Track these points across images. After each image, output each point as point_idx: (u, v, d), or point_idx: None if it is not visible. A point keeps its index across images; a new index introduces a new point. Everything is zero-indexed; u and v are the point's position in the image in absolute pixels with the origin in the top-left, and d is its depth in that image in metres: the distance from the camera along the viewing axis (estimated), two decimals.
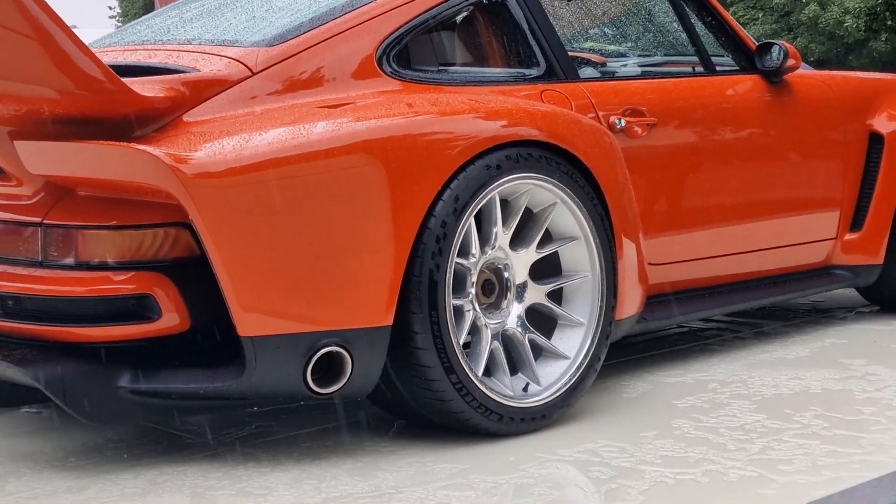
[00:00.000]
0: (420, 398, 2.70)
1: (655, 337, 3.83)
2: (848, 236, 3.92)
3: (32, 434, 2.91)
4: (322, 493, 2.41)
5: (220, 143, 2.51)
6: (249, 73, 2.76)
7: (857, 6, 22.59)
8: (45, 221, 2.57)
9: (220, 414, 3.01)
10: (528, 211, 2.90)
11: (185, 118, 2.63)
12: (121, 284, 2.49)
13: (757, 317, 4.14)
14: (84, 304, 2.51)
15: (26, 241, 2.61)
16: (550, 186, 2.87)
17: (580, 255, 2.96)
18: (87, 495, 2.43)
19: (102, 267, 2.51)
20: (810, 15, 29.79)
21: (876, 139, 3.95)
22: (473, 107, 2.88)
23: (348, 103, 2.78)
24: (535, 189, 2.86)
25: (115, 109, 2.53)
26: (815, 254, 3.86)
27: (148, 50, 3.06)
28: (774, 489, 2.36)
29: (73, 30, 2.40)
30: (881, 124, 3.97)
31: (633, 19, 4.04)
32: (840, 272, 3.92)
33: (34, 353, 2.55)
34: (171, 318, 2.50)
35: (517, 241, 2.90)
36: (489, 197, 2.76)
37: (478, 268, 2.80)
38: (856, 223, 3.93)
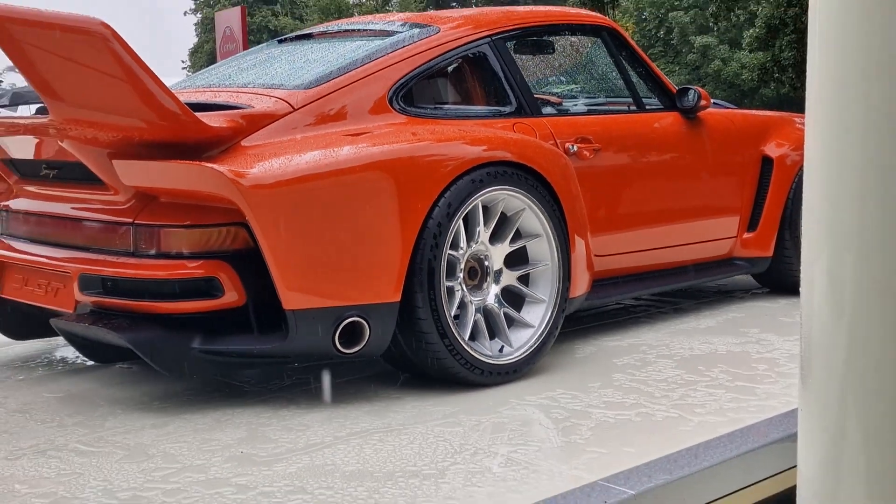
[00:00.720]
0: (421, 357, 2.69)
1: (599, 311, 3.82)
2: (746, 235, 3.91)
3: (125, 384, 2.90)
4: (347, 428, 2.42)
5: (269, 162, 2.51)
6: (291, 109, 2.76)
7: (751, 62, 22.68)
8: (135, 222, 2.58)
9: (268, 369, 3.01)
10: (503, 214, 2.89)
11: (243, 143, 2.62)
12: (193, 270, 2.49)
13: (676, 296, 4.15)
14: (165, 284, 2.51)
15: (121, 236, 2.61)
16: (520, 196, 2.86)
17: (542, 249, 2.96)
18: (168, 430, 2.43)
19: (179, 256, 2.52)
20: (715, 69, 29.90)
21: (767, 161, 3.96)
22: (462, 135, 2.87)
23: (366, 132, 2.77)
24: (508, 198, 2.85)
25: (189, 136, 2.53)
26: (721, 248, 3.86)
27: (214, 91, 3.05)
28: (691, 427, 2.37)
29: None
30: (771, 150, 3.97)
31: (583, 69, 4.02)
32: (740, 262, 3.92)
33: (127, 322, 2.55)
34: (231, 295, 2.50)
35: (495, 237, 2.89)
36: (474, 203, 2.76)
37: (465, 258, 2.80)
38: (752, 225, 3.93)
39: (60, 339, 3.23)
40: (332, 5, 34.05)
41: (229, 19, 11.59)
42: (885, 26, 1.24)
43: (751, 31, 22.51)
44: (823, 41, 1.29)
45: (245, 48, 11.02)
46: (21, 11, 2.22)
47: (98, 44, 2.27)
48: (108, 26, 2.27)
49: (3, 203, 3.10)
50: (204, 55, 40.47)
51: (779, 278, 4.03)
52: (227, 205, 2.46)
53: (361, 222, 2.55)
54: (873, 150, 1.26)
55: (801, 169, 3.97)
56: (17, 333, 3.15)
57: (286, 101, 2.77)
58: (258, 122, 2.68)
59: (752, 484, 2.10)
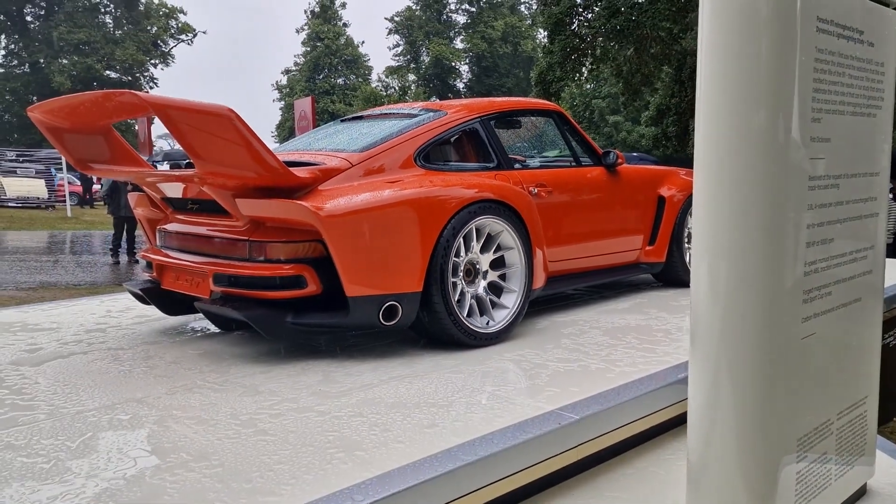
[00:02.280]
0: (435, 327, 2.69)
1: (551, 297, 3.83)
2: (647, 248, 3.92)
3: (242, 344, 2.90)
4: (387, 374, 2.42)
5: (337, 200, 2.51)
6: (350, 166, 2.75)
7: (647, 134, 22.76)
8: (250, 238, 2.58)
9: (335, 335, 3.01)
10: (489, 234, 2.89)
11: (320, 188, 2.62)
12: (287, 270, 2.49)
13: (602, 288, 4.16)
14: (269, 279, 2.51)
15: (240, 248, 2.61)
16: (501, 222, 2.87)
17: (514, 257, 2.96)
18: (271, 375, 2.43)
19: (278, 261, 2.52)
20: (622, 138, 29.82)
21: (661, 199, 3.97)
22: (462, 182, 2.87)
23: (399, 180, 2.78)
24: (492, 223, 2.85)
25: (284, 183, 2.53)
26: (631, 256, 3.87)
27: (300, 153, 3.05)
28: (614, 374, 2.37)
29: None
30: (664, 192, 3.98)
31: (540, 138, 4.04)
32: (644, 266, 3.92)
33: (244, 303, 2.55)
34: (312, 287, 2.50)
35: (483, 249, 2.89)
36: (470, 227, 2.77)
37: (464, 262, 2.80)
38: (651, 241, 3.93)
39: (199, 315, 3.24)
40: (372, 96, 34.20)
41: (303, 105, 11.54)
42: (746, 112, 1.26)
43: (646, 113, 22.58)
44: (708, 119, 1.31)
45: (314, 125, 11.00)
46: (176, 101, 2.24)
47: (226, 122, 2.28)
48: (232, 111, 2.28)
49: (161, 226, 3.10)
50: (286, 129, 40.51)
51: (669, 276, 4.04)
52: (309, 227, 2.47)
53: (397, 239, 2.56)
54: (740, 194, 1.28)
55: (683, 204, 4.01)
56: (171, 311, 3.15)
57: (347, 160, 2.77)
58: (329, 174, 2.69)
59: (657, 411, 2.11)
